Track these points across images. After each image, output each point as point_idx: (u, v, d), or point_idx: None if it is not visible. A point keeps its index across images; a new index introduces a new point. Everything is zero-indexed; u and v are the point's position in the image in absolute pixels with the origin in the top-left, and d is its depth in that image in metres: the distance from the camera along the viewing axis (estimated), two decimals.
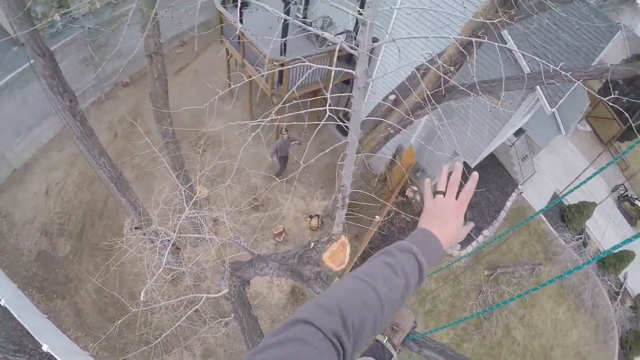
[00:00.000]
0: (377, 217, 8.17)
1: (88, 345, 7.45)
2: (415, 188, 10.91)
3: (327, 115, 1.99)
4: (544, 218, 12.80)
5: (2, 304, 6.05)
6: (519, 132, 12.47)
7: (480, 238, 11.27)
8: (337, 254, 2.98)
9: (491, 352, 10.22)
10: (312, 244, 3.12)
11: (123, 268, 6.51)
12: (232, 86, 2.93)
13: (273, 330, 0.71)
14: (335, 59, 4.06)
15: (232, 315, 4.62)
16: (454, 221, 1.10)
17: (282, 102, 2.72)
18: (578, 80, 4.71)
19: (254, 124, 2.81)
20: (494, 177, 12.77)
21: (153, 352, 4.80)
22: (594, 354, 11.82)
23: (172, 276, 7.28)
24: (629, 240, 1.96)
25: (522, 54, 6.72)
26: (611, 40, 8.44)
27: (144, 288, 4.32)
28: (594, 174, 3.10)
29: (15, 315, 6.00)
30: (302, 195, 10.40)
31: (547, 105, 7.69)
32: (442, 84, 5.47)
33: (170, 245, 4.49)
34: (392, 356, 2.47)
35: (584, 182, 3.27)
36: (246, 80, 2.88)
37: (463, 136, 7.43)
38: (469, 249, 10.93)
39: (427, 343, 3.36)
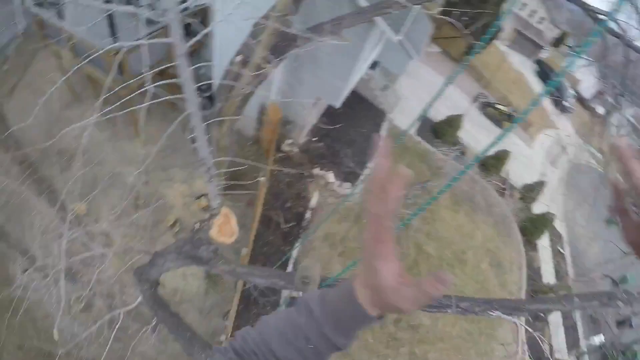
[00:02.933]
0: (261, 178, 8.19)
1: None
2: (290, 140, 10.85)
3: (151, 87, 2.02)
4: (419, 138, 13.50)
5: None
6: (374, 65, 12.77)
7: (367, 171, 11.53)
8: (224, 227, 3.00)
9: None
10: (197, 225, 3.12)
11: (33, 315, 5.83)
12: (65, 76, 2.70)
13: None
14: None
15: (154, 320, 4.47)
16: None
17: (123, 85, 2.64)
18: (414, 4, 5.04)
19: (94, 120, 2.65)
20: (362, 112, 13.10)
21: None
22: (501, 248, 12.80)
23: (81, 303, 6.63)
24: (499, 138, 2.21)
25: None
26: None
27: (54, 326, 4.05)
28: (445, 84, 3.62)
29: None
30: (182, 179, 9.95)
31: (392, 34, 8.33)
32: (283, 35, 5.43)
33: (62, 273, 4.16)
34: None
35: (437, 96, 3.77)
36: (70, 72, 2.64)
37: (320, 80, 7.60)
38: (358, 183, 11.02)
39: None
